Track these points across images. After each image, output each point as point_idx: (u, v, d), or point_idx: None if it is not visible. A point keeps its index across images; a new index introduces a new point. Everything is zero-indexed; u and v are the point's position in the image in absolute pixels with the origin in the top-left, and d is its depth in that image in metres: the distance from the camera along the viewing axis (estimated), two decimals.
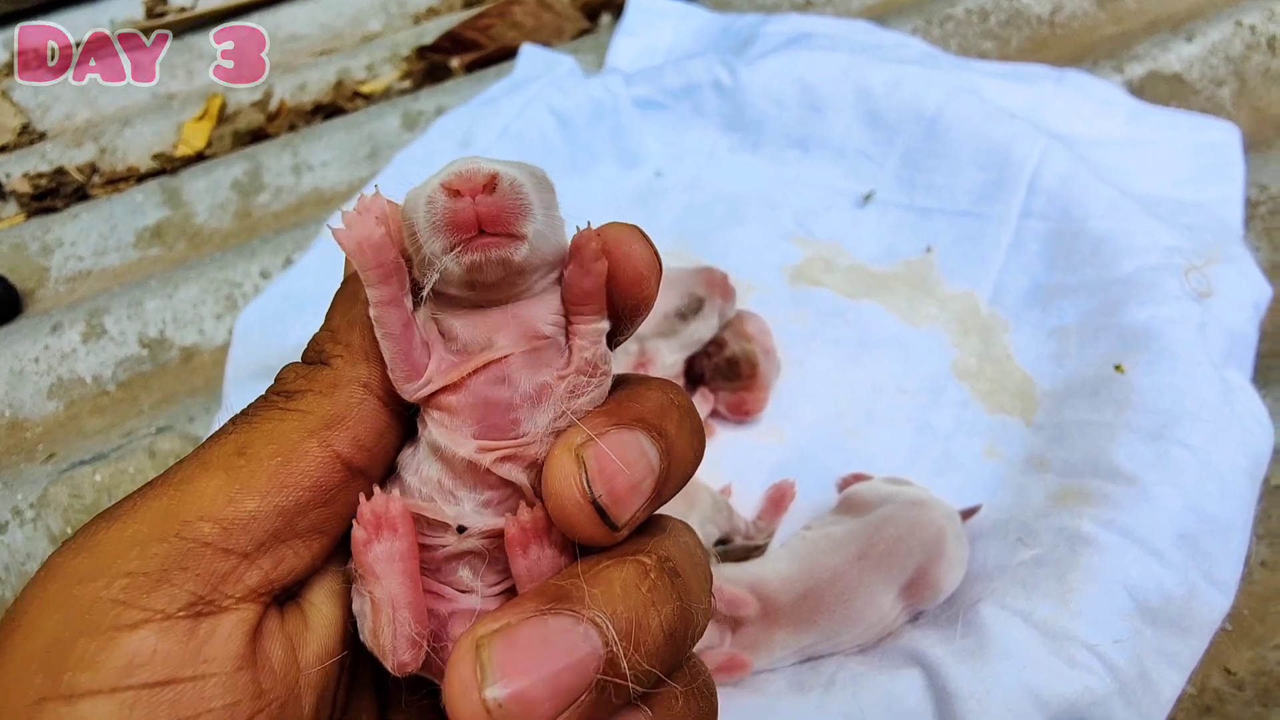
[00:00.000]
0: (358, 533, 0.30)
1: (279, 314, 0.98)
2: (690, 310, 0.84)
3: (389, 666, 0.30)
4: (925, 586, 0.69)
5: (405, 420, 0.33)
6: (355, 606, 0.31)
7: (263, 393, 0.33)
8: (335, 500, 0.31)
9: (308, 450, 0.30)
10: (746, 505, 0.85)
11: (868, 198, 1.10)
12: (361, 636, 0.31)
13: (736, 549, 0.79)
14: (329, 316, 0.34)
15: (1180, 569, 0.68)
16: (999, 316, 0.96)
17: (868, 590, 0.68)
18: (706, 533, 0.76)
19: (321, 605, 0.32)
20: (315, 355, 0.33)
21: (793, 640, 0.68)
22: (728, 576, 0.70)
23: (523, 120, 1.13)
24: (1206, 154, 1.11)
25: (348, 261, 0.34)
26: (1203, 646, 0.68)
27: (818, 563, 0.70)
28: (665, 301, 0.85)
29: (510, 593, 0.32)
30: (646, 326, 0.84)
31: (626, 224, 0.34)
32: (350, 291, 0.34)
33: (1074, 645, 0.64)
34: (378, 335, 0.31)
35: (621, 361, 0.85)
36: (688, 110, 1.20)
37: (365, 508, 0.31)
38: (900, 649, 0.68)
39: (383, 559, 0.30)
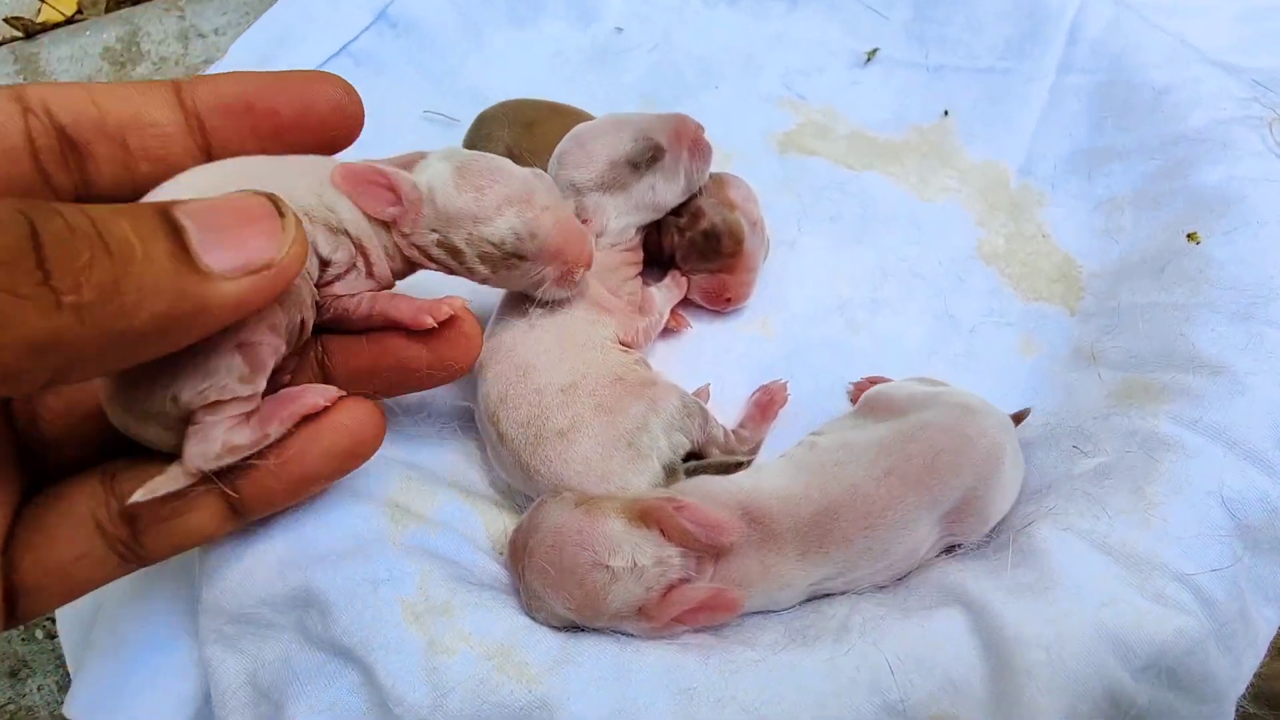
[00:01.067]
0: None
1: None
2: (643, 159, 0.65)
3: None
4: (971, 514, 0.53)
5: None
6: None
7: None
8: None
9: None
10: (726, 413, 0.67)
11: (870, 56, 0.91)
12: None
13: (711, 465, 0.62)
14: None
15: None
16: (1032, 189, 0.79)
17: (899, 516, 0.51)
18: (674, 443, 0.59)
19: None
20: None
21: (797, 575, 0.52)
22: (710, 492, 0.53)
23: None
24: (1252, 22, 0.94)
25: None
26: None
27: (833, 477, 0.53)
28: (614, 144, 0.65)
29: None
30: (584, 176, 0.65)
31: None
32: None
33: (1162, 576, 0.48)
34: None
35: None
36: None
37: None
38: (932, 584, 0.52)
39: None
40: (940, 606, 0.50)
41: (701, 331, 0.74)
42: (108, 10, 1.26)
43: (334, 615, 0.51)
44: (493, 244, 0.54)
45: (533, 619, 0.54)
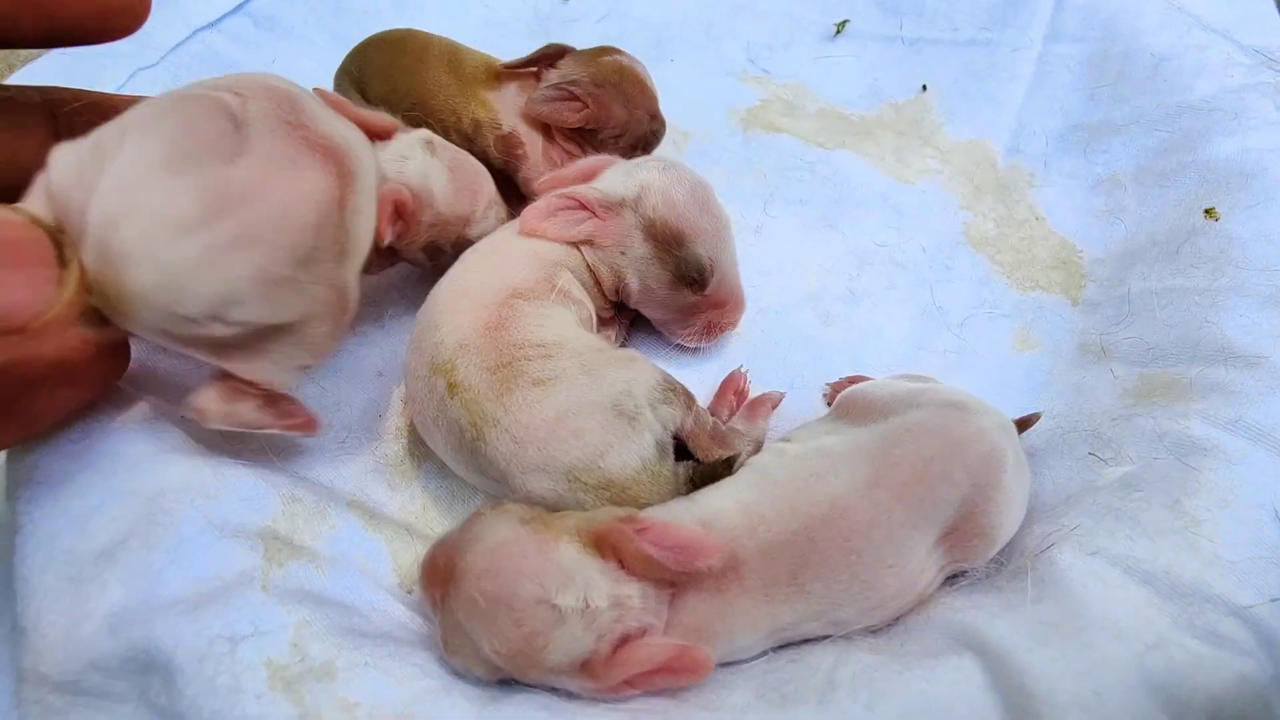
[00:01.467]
0: None
1: None
2: (701, 275, 0.57)
3: None
4: (973, 533, 0.43)
5: None
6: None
7: None
8: None
9: None
10: None
11: (839, 28, 0.83)
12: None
13: (709, 464, 0.49)
14: None
15: None
16: (1021, 168, 0.72)
17: (887, 536, 0.42)
18: (662, 417, 0.48)
19: None
20: None
21: (765, 615, 0.42)
22: (666, 511, 0.43)
23: None
24: (1237, 4, 0.89)
25: None
26: None
27: (806, 491, 0.43)
28: (717, 246, 0.57)
29: None
30: (671, 225, 0.55)
31: None
32: None
33: (1215, 610, 0.39)
34: None
35: None
36: None
37: None
38: (935, 624, 0.43)
39: None
40: (948, 654, 0.40)
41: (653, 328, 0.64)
42: None
43: (179, 683, 0.40)
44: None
45: (448, 662, 0.43)
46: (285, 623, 0.42)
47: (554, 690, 0.41)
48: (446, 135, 0.62)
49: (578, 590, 0.39)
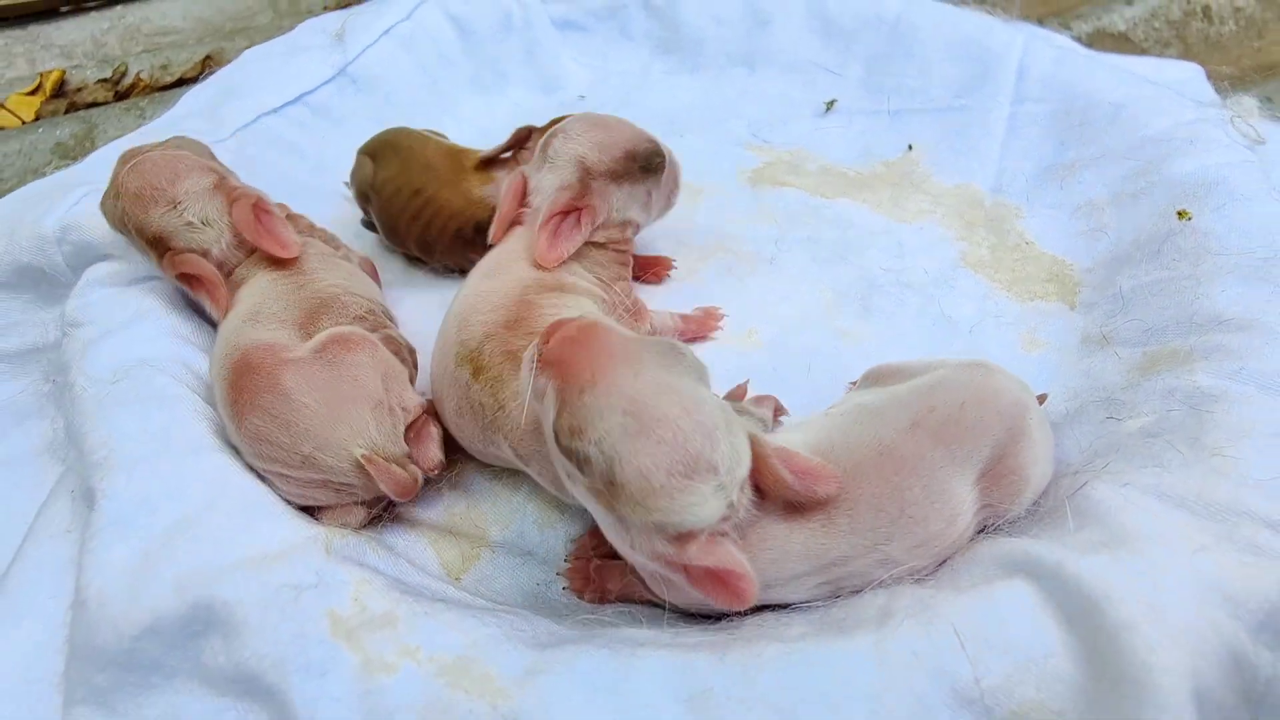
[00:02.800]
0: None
1: None
2: (654, 162, 0.64)
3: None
4: (1008, 473, 0.45)
5: None
6: None
7: None
8: None
9: None
10: None
11: (829, 106, 0.93)
12: None
13: None
14: None
15: None
16: (1007, 204, 0.78)
17: (930, 472, 0.43)
18: None
19: None
20: None
21: (819, 546, 0.42)
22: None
23: (413, 23, 0.92)
24: (1180, 88, 1.00)
25: None
26: None
27: (855, 434, 0.45)
28: (634, 138, 0.63)
29: None
30: (600, 159, 0.61)
31: None
32: None
33: (1252, 524, 0.41)
34: None
35: None
36: (613, 32, 1.03)
37: None
38: (983, 558, 0.43)
39: None
40: (999, 580, 0.41)
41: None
42: (66, 114, 1.26)
43: (243, 634, 0.40)
44: None
45: (557, 439, 0.39)
46: (346, 579, 0.43)
47: (611, 628, 0.41)
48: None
49: (740, 480, 0.40)
